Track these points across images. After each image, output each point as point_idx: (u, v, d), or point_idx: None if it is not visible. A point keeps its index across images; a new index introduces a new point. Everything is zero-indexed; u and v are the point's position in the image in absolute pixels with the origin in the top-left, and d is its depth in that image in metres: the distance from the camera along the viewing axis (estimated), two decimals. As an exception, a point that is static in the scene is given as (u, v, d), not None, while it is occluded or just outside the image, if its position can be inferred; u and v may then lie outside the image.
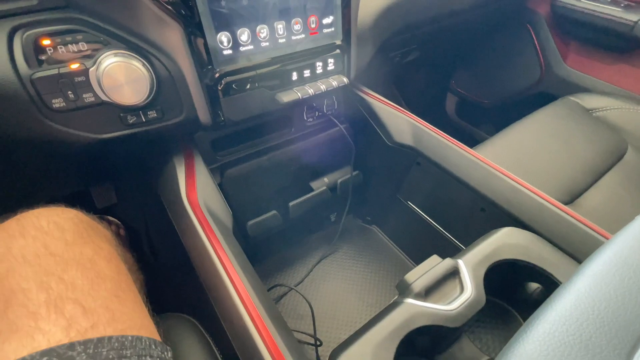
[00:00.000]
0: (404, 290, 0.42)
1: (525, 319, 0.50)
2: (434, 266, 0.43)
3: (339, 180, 0.72)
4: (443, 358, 0.44)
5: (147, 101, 0.45)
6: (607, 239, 0.43)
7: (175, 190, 0.49)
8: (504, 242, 0.46)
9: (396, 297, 0.43)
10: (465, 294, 0.40)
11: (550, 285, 0.43)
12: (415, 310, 0.39)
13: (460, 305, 0.39)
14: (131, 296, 0.35)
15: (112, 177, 0.82)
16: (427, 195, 0.66)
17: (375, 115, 0.69)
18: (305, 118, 0.67)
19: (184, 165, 0.52)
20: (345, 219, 0.86)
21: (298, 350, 0.35)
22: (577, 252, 0.45)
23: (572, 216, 0.46)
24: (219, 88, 0.49)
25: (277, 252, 0.78)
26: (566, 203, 0.68)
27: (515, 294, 0.49)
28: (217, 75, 0.48)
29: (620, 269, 0.27)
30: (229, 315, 0.37)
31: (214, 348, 0.43)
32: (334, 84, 0.58)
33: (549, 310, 0.25)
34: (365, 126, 0.71)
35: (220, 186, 0.58)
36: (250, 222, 0.63)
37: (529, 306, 0.49)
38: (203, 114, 0.50)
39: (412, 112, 0.68)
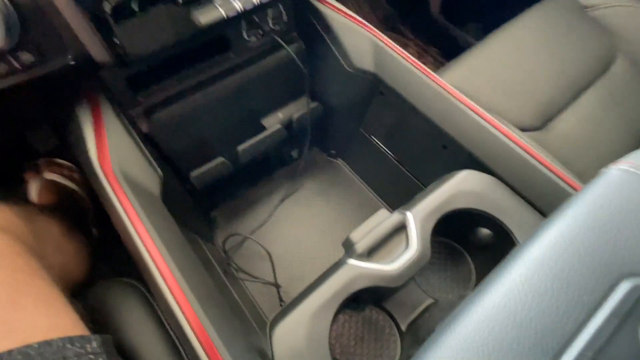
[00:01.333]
0: (348, 249, 0.40)
1: (475, 260, 0.50)
2: (380, 222, 0.40)
3: (295, 116, 0.64)
4: (389, 304, 0.45)
5: (11, 43, 0.34)
6: (572, 188, 0.40)
7: (85, 154, 0.41)
8: (458, 189, 0.42)
9: (342, 255, 0.41)
10: (409, 252, 0.38)
11: (500, 232, 0.42)
12: (355, 272, 0.37)
13: (403, 264, 0.38)
14: (34, 295, 0.32)
15: (42, 121, 0.71)
16: (390, 130, 0.60)
17: (331, 32, 0.57)
18: (247, 37, 0.54)
19: (91, 120, 0.43)
20: (309, 152, 0.80)
21: (226, 327, 0.34)
22: (539, 199, 0.42)
23: (537, 159, 0.42)
24: (107, 12, 0.37)
25: (237, 194, 0.74)
26: (537, 128, 0.63)
27: (466, 236, 0.48)
28: None
29: (563, 253, 0.23)
30: (154, 290, 0.35)
31: (160, 314, 0.42)
32: None
33: (474, 307, 0.23)
34: (322, 45, 0.60)
35: (149, 135, 0.50)
36: (194, 173, 0.57)
37: (480, 249, 0.48)
38: (96, 50, 0.39)
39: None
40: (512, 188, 0.43)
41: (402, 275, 0.37)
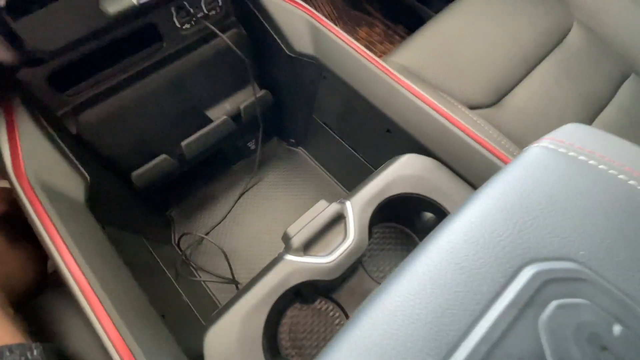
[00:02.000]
0: (286, 244, 0.39)
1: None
2: (318, 214, 0.39)
3: (242, 105, 0.61)
4: (338, 294, 0.44)
5: None
6: (505, 163, 0.39)
7: (0, 160, 0.38)
8: (397, 175, 0.41)
9: (281, 250, 0.40)
10: (346, 242, 0.37)
11: (442, 215, 0.41)
12: (291, 267, 0.36)
13: (340, 255, 0.37)
14: None
15: None
16: (339, 115, 0.58)
17: (267, 15, 0.54)
18: (179, 25, 0.51)
19: (5, 125, 0.40)
20: (269, 142, 0.78)
21: (149, 338, 0.32)
22: (479, 180, 0.41)
23: (475, 140, 0.41)
24: (1, 7, 0.34)
25: (194, 191, 0.71)
26: (491, 105, 0.62)
27: (414, 221, 0.47)
28: None
29: (466, 241, 0.23)
30: (75, 303, 0.33)
31: None
32: None
33: (375, 305, 0.22)
34: (261, 30, 0.56)
35: (79, 136, 0.47)
36: (135, 173, 0.54)
37: (426, 231, 0.48)
38: None
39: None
40: (453, 170, 0.42)
41: (338, 266, 0.36)
